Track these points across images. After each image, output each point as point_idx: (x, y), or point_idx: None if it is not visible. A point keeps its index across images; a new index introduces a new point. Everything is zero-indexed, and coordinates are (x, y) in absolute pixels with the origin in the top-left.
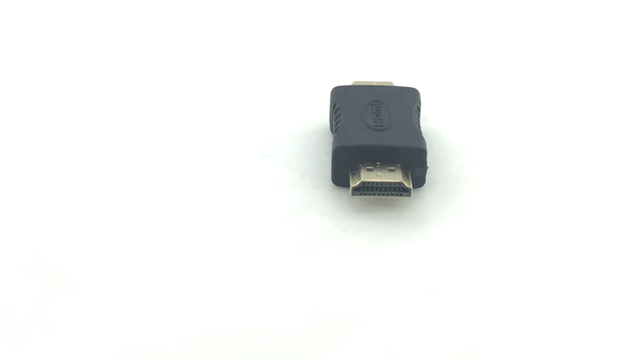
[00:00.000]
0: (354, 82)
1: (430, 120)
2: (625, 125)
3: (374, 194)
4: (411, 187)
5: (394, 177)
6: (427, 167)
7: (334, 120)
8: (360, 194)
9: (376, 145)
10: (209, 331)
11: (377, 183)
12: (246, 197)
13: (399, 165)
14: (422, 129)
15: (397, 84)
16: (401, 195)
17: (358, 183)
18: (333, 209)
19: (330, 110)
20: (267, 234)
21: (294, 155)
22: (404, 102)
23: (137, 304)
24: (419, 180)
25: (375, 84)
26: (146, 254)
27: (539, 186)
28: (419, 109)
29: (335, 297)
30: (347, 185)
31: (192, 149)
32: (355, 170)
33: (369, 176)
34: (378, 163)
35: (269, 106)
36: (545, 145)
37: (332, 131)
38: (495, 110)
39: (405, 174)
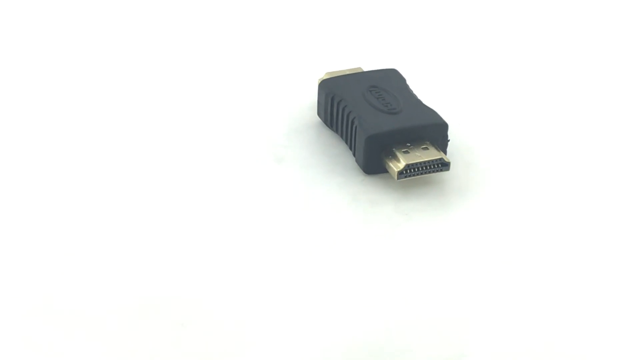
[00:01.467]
0: (326, 73)
1: None
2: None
3: (417, 174)
4: (449, 160)
5: (432, 154)
6: (448, 140)
7: (337, 112)
8: (405, 177)
9: (404, 127)
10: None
11: (420, 163)
12: (296, 204)
13: (428, 142)
14: None
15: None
16: (441, 170)
17: (403, 167)
18: (381, 197)
19: (325, 103)
20: (340, 232)
21: (304, 153)
22: (395, 83)
23: (170, 307)
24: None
25: (350, 72)
26: (188, 259)
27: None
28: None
29: (444, 285)
30: (380, 172)
31: (205, 163)
32: (391, 156)
33: (409, 158)
34: (408, 144)
35: (249, 109)
36: (544, 138)
37: (328, 123)
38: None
39: (437, 149)
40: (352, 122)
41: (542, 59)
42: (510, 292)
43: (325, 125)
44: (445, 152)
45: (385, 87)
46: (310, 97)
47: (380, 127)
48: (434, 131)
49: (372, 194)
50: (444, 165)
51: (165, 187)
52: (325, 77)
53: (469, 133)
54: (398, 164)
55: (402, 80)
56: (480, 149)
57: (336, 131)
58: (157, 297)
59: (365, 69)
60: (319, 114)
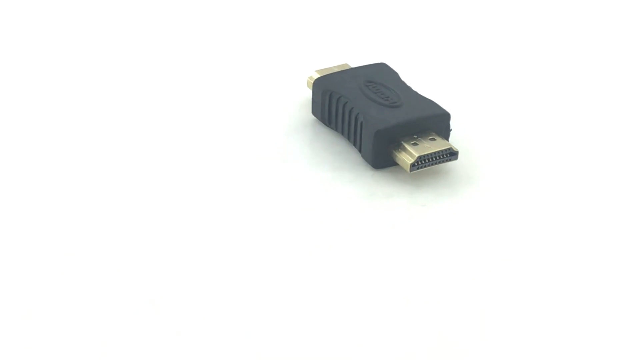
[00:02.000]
0: (315, 71)
1: None
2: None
3: (427, 165)
4: (457, 149)
5: (440, 144)
6: (451, 129)
7: (336, 109)
8: (417, 169)
9: (410, 120)
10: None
11: (430, 154)
12: (314, 202)
13: (433, 133)
14: None
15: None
16: (449, 159)
17: (415, 159)
18: (395, 190)
19: (322, 101)
20: (364, 226)
21: (308, 152)
22: (388, 77)
23: (187, 310)
24: None
25: (339, 69)
26: (203, 261)
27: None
28: None
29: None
30: (387, 166)
31: (211, 167)
32: (400, 149)
33: (420, 150)
34: (415, 136)
35: (241, 112)
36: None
37: (325, 121)
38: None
39: (443, 139)
40: (356, 118)
41: (523, 45)
42: (542, 277)
43: (321, 123)
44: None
45: (381, 82)
46: (300, 96)
47: (387, 121)
48: (437, 121)
49: (386, 187)
50: (452, 155)
51: (182, 196)
52: (316, 75)
53: (462, 122)
54: (410, 157)
55: (394, 73)
56: (476, 137)
57: (335, 129)
58: (169, 298)
59: (352, 65)
60: (313, 112)
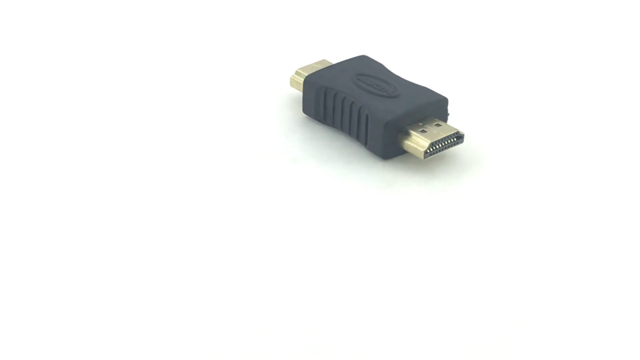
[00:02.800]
0: (297, 70)
1: None
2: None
3: (438, 151)
4: (463, 133)
5: (447, 129)
6: (448, 114)
7: (334, 105)
8: (429, 155)
9: (414, 108)
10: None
11: (441, 139)
12: (336, 197)
13: (436, 119)
14: None
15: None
16: (456, 143)
17: (428, 145)
18: (411, 178)
19: (317, 98)
20: (394, 215)
21: (312, 150)
22: (376, 68)
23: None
24: None
25: (320, 65)
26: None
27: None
28: None
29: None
30: (395, 156)
31: (221, 173)
32: (410, 137)
33: (430, 136)
34: (421, 124)
35: (233, 116)
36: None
37: (321, 118)
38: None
39: (447, 124)
40: (359, 112)
41: (506, 30)
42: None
43: (314, 121)
44: None
45: (371, 74)
46: (285, 95)
47: (393, 112)
48: (438, 107)
49: (401, 176)
50: (459, 138)
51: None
52: (300, 74)
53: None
54: (422, 144)
55: (380, 65)
56: (471, 120)
57: (332, 124)
58: (182, 298)
59: (330, 60)
60: (305, 110)
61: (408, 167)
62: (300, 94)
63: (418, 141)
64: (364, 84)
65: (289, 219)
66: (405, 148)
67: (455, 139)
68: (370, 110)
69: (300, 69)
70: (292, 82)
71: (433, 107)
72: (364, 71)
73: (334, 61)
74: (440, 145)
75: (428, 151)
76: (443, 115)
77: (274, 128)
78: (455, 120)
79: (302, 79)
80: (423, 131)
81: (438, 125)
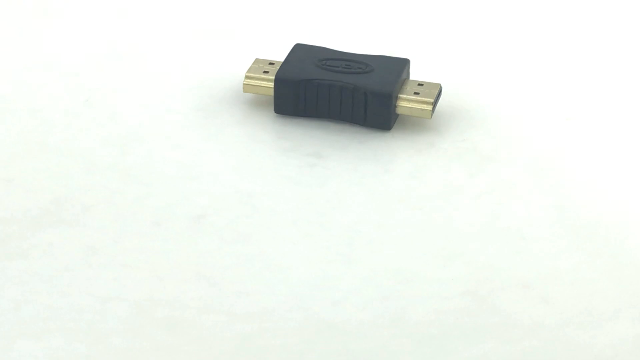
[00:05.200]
0: (246, 74)
1: None
2: None
3: (435, 107)
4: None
5: (432, 86)
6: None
7: (317, 95)
8: (432, 112)
9: (399, 76)
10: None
11: (435, 96)
12: (388, 179)
13: (411, 80)
14: None
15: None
16: (441, 95)
17: (432, 104)
18: (431, 138)
19: (295, 93)
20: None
21: (319, 144)
22: (324, 51)
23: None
24: None
25: (257, 65)
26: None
27: None
28: None
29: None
30: (394, 124)
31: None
32: (408, 102)
33: (427, 95)
34: (408, 88)
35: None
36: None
37: (300, 112)
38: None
39: (425, 82)
40: (353, 93)
41: None
42: None
43: (289, 117)
44: None
45: (328, 57)
46: (242, 103)
47: (389, 83)
48: (407, 70)
49: (422, 137)
50: (441, 91)
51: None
52: (250, 77)
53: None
54: (426, 105)
55: (321, 47)
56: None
57: (316, 115)
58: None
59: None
60: (278, 110)
61: (415, 131)
62: (255, 96)
63: (420, 104)
64: (333, 67)
65: (346, 216)
66: (408, 113)
67: (440, 92)
68: (367, 88)
69: (247, 72)
70: (246, 88)
71: (407, 70)
72: (319, 56)
73: (265, 57)
74: (435, 102)
75: (432, 109)
76: (409, 76)
77: (264, 135)
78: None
79: (259, 82)
80: (417, 93)
81: (420, 85)
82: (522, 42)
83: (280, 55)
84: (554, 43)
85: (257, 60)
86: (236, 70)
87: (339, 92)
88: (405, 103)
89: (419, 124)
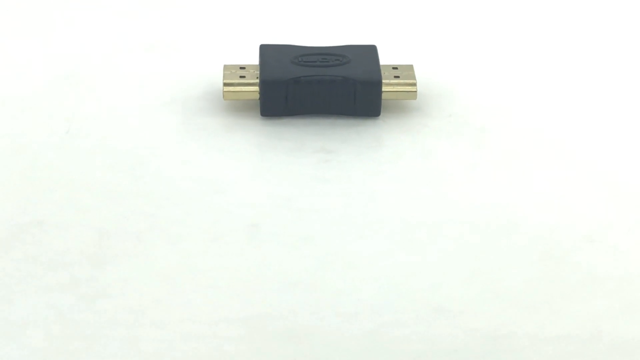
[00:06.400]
0: (224, 83)
1: None
2: None
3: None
4: None
5: (407, 67)
6: None
7: (306, 92)
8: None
9: (377, 63)
10: None
11: (413, 75)
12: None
13: (384, 64)
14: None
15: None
16: None
17: (416, 84)
18: (422, 120)
19: (284, 94)
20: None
21: (322, 141)
22: (293, 48)
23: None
24: None
25: (230, 70)
26: None
27: None
28: None
29: None
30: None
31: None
32: (392, 86)
33: (408, 77)
34: (386, 73)
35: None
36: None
37: (289, 112)
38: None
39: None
40: (343, 85)
41: None
42: None
43: (278, 118)
44: None
45: (301, 53)
46: (228, 110)
47: (374, 71)
48: (378, 55)
49: (413, 120)
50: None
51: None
52: (230, 84)
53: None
54: (411, 86)
55: (288, 45)
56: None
57: (303, 112)
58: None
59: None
60: (265, 112)
61: (402, 114)
62: (234, 102)
63: (404, 86)
64: (312, 63)
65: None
66: (394, 97)
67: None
68: (355, 79)
69: (225, 80)
70: (227, 95)
71: (378, 56)
72: (291, 54)
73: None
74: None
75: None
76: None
77: (263, 140)
78: None
79: (240, 88)
80: (397, 77)
81: (395, 68)
82: (468, 13)
83: (236, 59)
84: (509, 12)
85: (226, 67)
86: (200, 81)
87: (329, 86)
88: (390, 87)
89: (400, 107)
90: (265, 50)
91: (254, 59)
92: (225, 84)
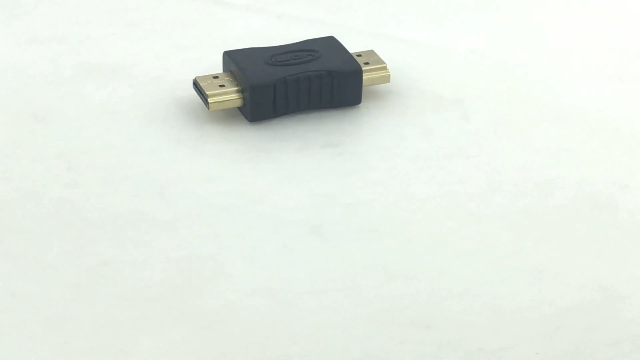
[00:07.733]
0: (209, 94)
1: None
2: None
3: None
4: None
5: (370, 53)
6: None
7: (292, 91)
8: None
9: (346, 51)
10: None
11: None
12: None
13: (354, 53)
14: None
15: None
16: None
17: (388, 69)
18: (405, 100)
19: (272, 96)
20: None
21: (322, 139)
22: (262, 51)
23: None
24: None
25: (206, 81)
26: None
27: None
28: None
29: None
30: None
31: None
32: (369, 73)
33: (379, 62)
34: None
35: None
36: None
37: (279, 112)
38: None
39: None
40: (326, 79)
41: None
42: None
43: (268, 122)
44: None
45: (273, 53)
46: (210, 120)
47: (351, 61)
48: (342, 45)
49: (392, 107)
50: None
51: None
52: (215, 94)
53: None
54: (383, 70)
55: (254, 48)
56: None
57: (287, 112)
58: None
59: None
60: (254, 118)
61: (383, 98)
62: (219, 113)
63: (378, 72)
64: (286, 61)
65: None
66: (370, 83)
67: None
68: (338, 71)
69: (208, 93)
70: (213, 106)
71: (343, 46)
72: (261, 55)
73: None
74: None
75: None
76: None
77: (265, 144)
78: None
79: (225, 97)
80: (367, 63)
81: (359, 55)
82: None
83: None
84: None
85: (200, 78)
86: (167, 95)
87: (316, 82)
88: (366, 75)
89: (372, 92)
90: (235, 57)
91: (214, 68)
92: (209, 95)
